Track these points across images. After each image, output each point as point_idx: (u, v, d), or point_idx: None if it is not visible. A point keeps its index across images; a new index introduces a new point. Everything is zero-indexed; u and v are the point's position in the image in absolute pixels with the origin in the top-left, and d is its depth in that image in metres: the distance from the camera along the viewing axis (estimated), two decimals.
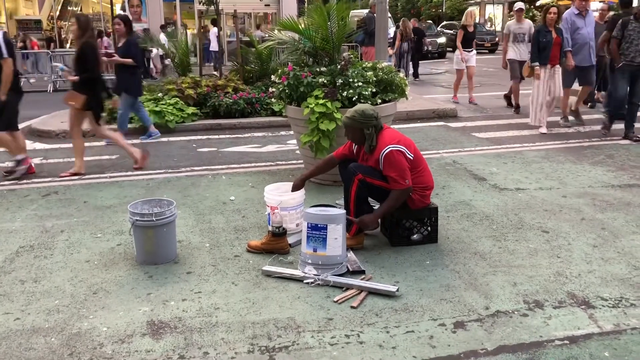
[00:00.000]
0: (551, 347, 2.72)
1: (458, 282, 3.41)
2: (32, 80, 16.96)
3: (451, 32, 30.33)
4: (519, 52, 9.72)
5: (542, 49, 7.74)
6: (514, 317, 3.00)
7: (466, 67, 10.98)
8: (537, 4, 36.50)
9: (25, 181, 6.01)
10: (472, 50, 11.08)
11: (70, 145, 7.92)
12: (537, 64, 7.78)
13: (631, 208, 4.68)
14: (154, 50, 17.01)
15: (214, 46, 18.20)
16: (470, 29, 10.94)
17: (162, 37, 13.79)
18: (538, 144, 7.24)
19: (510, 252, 3.84)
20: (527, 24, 9.84)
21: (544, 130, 7.93)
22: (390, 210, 3.87)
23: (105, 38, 19.56)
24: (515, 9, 10.02)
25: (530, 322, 2.95)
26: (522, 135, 7.86)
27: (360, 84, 5.31)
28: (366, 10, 27.19)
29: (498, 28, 35.23)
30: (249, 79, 10.56)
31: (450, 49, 29.16)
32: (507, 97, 10.52)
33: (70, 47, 22.89)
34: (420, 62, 19.97)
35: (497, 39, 28.36)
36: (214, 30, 17.57)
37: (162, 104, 8.88)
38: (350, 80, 5.32)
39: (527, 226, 4.32)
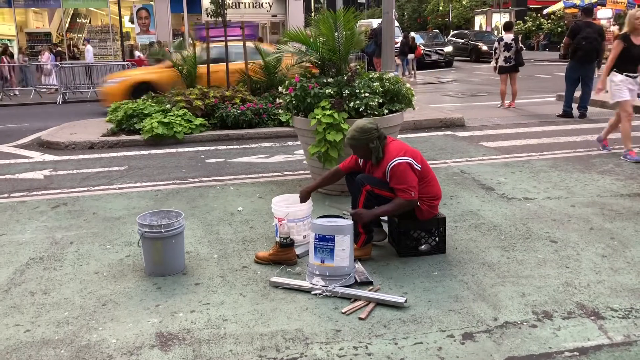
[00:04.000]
0: (560, 359, 2.70)
1: (466, 293, 3.40)
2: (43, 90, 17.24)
3: (462, 41, 30.27)
4: None
5: None
6: (522, 328, 2.99)
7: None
8: (545, 12, 36.51)
9: (35, 193, 6.06)
10: (637, 76, 6.86)
11: (80, 156, 8.01)
12: None
13: None
14: None
15: None
16: (638, 41, 6.76)
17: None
18: (546, 153, 7.22)
19: (518, 263, 3.82)
20: None
21: None
22: (388, 214, 3.89)
23: (89, 46, 19.84)
24: None
25: (539, 333, 2.94)
26: (529, 144, 7.85)
27: (367, 94, 5.33)
28: (373, 20, 27.35)
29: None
30: (256, 90, 10.63)
31: (467, 59, 29.08)
32: None
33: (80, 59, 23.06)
34: (425, 70, 19.99)
35: None
36: None
37: (171, 116, 8.95)
38: (357, 91, 5.34)
39: (536, 236, 4.31)
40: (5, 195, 6.02)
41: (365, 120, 3.96)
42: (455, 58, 28.72)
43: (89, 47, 19.23)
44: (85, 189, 6.18)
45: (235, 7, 23.98)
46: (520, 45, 11.51)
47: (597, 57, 9.67)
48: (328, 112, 5.17)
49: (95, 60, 20.56)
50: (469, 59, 29.22)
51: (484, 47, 27.55)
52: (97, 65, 17.15)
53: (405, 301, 3.25)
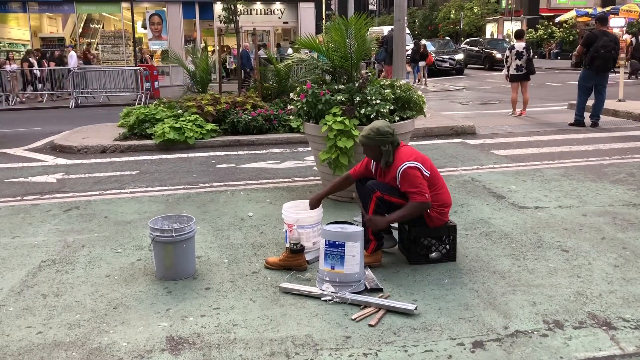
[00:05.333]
0: None
1: (477, 301, 3.38)
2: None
3: (475, 48, 30.12)
4: None
5: None
6: (533, 337, 2.97)
7: None
8: (556, 20, 36.39)
9: (47, 196, 6.12)
10: None
11: (92, 160, 8.07)
12: None
13: None
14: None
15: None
16: None
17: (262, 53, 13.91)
18: (557, 161, 7.19)
19: (529, 271, 3.80)
20: None
21: None
22: (403, 219, 3.86)
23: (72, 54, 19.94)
24: None
25: (550, 342, 2.92)
26: (541, 152, 7.82)
27: (378, 101, 5.34)
28: (384, 27, 27.37)
29: None
30: (267, 96, 10.67)
31: (481, 66, 28.75)
32: None
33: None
34: (436, 78, 19.92)
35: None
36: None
37: (182, 121, 9.01)
38: (368, 97, 5.35)
39: (547, 245, 4.28)
40: (19, 198, 6.08)
41: (383, 123, 3.97)
42: (469, 66, 28.61)
43: (72, 53, 19.37)
44: (97, 192, 6.23)
45: (247, 13, 24.11)
46: (531, 53, 11.50)
47: (614, 66, 9.64)
48: (339, 119, 5.18)
49: (108, 66, 20.73)
50: (482, 66, 29.09)
51: (498, 55, 27.38)
52: (109, 70, 17.32)
53: (416, 308, 3.25)
